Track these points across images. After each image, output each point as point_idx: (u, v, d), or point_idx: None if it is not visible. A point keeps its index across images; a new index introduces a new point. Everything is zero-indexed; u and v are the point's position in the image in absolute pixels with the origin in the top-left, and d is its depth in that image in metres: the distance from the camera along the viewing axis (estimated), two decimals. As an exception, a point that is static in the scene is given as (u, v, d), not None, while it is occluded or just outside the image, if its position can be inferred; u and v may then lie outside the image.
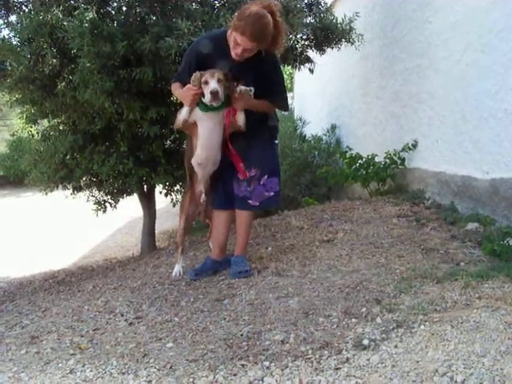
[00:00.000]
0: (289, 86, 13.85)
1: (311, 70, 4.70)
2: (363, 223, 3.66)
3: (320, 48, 4.46)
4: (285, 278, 2.79)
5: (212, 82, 2.69)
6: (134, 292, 3.04)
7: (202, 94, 2.75)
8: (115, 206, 4.91)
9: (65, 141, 4.30)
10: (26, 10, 4.11)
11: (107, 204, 4.84)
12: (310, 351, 1.96)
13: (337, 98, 7.28)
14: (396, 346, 1.89)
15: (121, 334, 2.38)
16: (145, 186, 4.73)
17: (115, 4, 3.98)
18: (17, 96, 4.31)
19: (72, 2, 3.86)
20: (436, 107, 4.04)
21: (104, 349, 2.23)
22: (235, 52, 2.76)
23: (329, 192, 6.43)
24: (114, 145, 4.19)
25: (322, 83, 8.00)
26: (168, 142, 4.47)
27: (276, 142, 3.15)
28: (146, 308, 2.72)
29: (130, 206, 5.78)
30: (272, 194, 3.03)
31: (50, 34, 3.57)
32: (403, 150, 4.45)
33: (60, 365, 2.10)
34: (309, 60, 4.57)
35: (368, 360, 1.83)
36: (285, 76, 14.07)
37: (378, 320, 2.12)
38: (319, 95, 8.55)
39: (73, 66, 3.68)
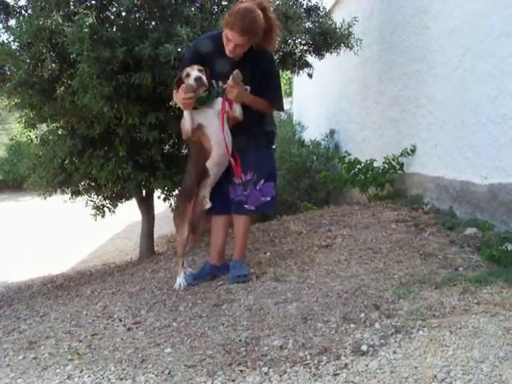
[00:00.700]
0: (287, 90, 13.89)
1: (310, 75, 4.71)
2: (362, 228, 3.66)
3: (319, 53, 4.47)
4: (283, 284, 2.78)
5: (193, 72, 2.82)
6: (132, 297, 3.04)
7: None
8: (114, 211, 4.91)
9: (64, 145, 4.29)
10: (26, 15, 4.11)
11: (106, 208, 4.84)
12: (308, 357, 1.96)
13: (335, 102, 7.29)
14: (394, 352, 1.89)
15: (119, 340, 2.38)
16: (143, 191, 4.72)
17: (115, 9, 3.99)
18: (16, 100, 4.31)
19: (72, 7, 3.87)
20: (435, 112, 4.05)
21: (102, 354, 2.23)
22: (228, 49, 2.80)
23: (327, 197, 6.43)
24: (113, 149, 4.18)
25: (320, 88, 8.02)
26: (167, 146, 4.47)
27: (273, 147, 3.18)
28: (144, 313, 2.72)
29: (129, 211, 5.77)
30: (268, 198, 3.04)
31: (50, 39, 3.57)
32: (402, 154, 4.45)
33: (58, 370, 2.09)
34: (307, 65, 4.58)
35: (366, 366, 1.83)
36: (283, 81, 14.12)
37: (377, 325, 2.11)
38: (318, 100, 8.57)
39: (72, 70, 3.68)
